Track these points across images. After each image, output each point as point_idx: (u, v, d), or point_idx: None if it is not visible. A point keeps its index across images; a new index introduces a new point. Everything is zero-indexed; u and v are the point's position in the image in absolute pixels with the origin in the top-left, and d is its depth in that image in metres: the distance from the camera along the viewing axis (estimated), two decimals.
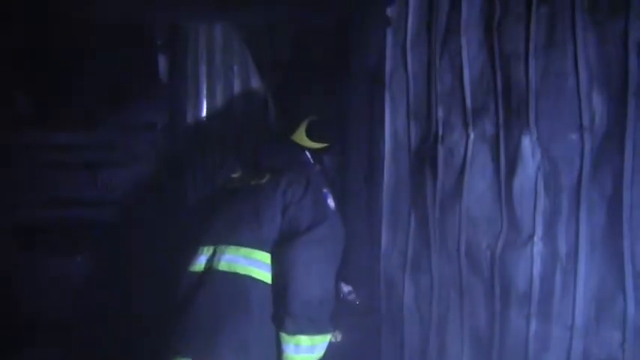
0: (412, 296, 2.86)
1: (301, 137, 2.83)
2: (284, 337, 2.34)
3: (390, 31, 2.93)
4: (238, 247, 2.40)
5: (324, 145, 2.85)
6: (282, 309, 2.34)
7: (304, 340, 2.34)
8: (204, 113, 3.76)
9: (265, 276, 2.37)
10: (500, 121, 2.43)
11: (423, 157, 2.80)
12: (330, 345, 2.46)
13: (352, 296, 2.88)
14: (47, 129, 3.71)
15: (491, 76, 2.46)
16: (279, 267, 2.37)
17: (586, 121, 2.12)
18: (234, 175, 2.74)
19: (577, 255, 2.17)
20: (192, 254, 2.49)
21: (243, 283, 2.35)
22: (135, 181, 3.80)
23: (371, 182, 2.98)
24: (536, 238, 2.30)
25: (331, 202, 2.53)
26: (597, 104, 2.09)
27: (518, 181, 2.37)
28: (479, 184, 2.54)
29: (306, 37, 3.65)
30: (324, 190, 2.55)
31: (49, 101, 3.71)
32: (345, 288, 2.88)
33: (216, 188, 2.71)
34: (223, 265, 2.39)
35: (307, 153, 2.82)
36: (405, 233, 2.89)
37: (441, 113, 2.69)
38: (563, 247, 2.23)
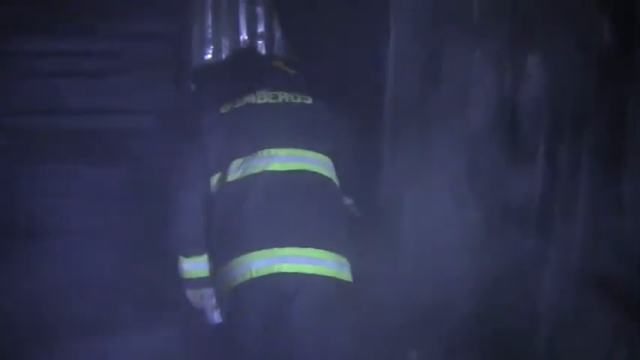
0: (410, 213, 2.91)
1: (282, 65, 3.07)
2: None
3: None
4: (306, 151, 2.68)
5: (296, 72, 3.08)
6: None
7: None
8: (209, 23, 3.73)
9: (330, 174, 2.70)
10: (507, 37, 2.40)
11: (428, 73, 2.79)
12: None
13: (353, 209, 2.98)
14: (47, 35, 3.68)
15: None
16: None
17: (593, 42, 2.07)
18: (258, 93, 2.83)
19: (578, 173, 2.16)
20: (252, 159, 2.65)
21: (320, 178, 2.67)
22: (141, 88, 3.79)
23: (375, 98, 2.99)
24: (538, 155, 2.30)
25: None
26: (605, 24, 2.05)
27: (522, 97, 2.36)
28: (483, 99, 2.53)
29: None
30: None
31: (50, 7, 3.65)
32: (348, 201, 2.94)
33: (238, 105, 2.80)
34: (294, 164, 2.65)
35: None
36: (406, 151, 2.91)
37: (445, 30, 2.67)
38: (565, 165, 2.22)
